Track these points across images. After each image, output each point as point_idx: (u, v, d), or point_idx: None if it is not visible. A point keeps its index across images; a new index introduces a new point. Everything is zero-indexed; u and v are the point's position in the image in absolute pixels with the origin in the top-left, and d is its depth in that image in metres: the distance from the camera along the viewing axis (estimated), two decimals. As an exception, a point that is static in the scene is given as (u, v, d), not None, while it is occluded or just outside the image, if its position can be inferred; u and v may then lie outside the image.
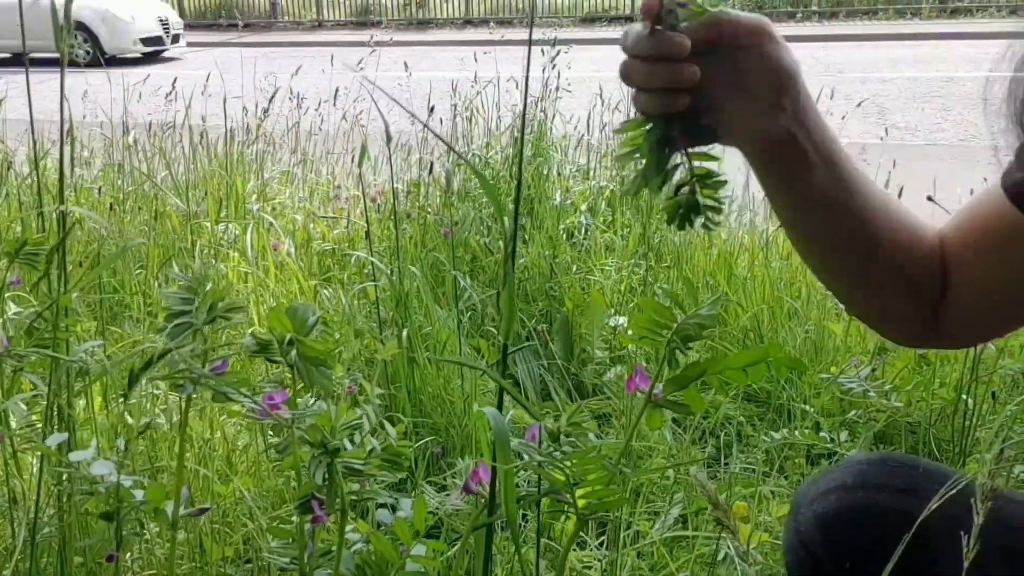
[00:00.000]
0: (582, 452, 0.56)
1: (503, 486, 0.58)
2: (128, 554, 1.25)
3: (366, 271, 2.25)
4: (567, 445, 0.59)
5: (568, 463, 0.56)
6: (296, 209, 3.07)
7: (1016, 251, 0.63)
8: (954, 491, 0.62)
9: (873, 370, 1.50)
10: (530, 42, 0.72)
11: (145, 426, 0.94)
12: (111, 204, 2.96)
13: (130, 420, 1.65)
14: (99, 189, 3.20)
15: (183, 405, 0.60)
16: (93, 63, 7.34)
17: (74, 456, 0.59)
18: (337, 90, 3.65)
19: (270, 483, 1.44)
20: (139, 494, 0.61)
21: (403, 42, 11.54)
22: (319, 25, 17.38)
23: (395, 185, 1.82)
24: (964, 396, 1.38)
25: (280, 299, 2.31)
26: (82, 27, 11.09)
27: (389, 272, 1.73)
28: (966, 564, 0.51)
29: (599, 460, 0.56)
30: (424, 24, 17.24)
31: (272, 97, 3.36)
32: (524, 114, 0.63)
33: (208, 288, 0.62)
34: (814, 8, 15.04)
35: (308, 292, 2.29)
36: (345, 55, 4.73)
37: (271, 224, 2.76)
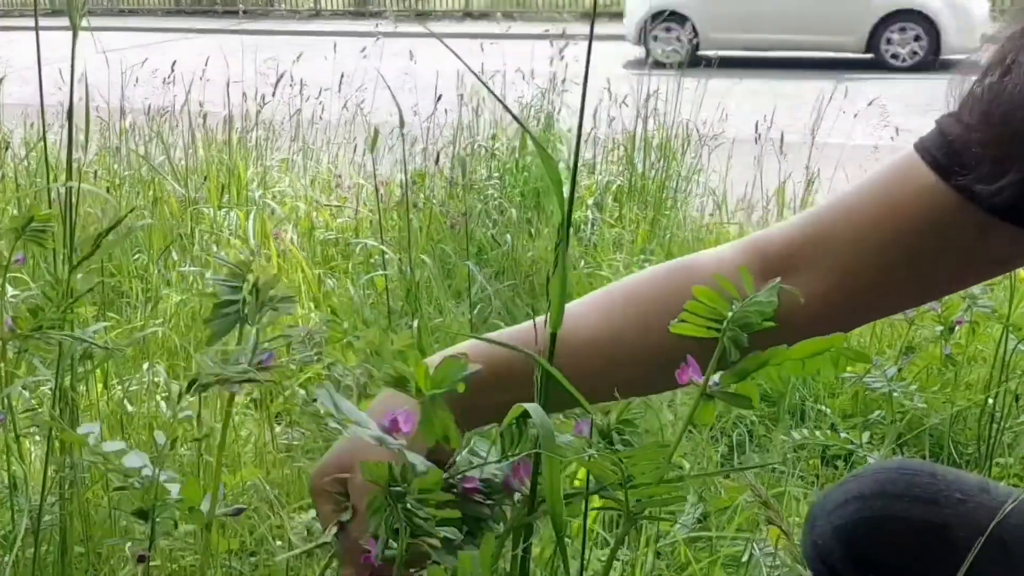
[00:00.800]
0: (638, 449, 0.52)
1: (548, 480, 0.54)
2: (130, 544, 1.21)
3: (372, 260, 2.21)
4: (619, 444, 0.55)
5: (621, 458, 0.52)
6: (298, 197, 3.03)
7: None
8: (1014, 504, 0.59)
9: (899, 370, 1.47)
10: (592, 29, 0.68)
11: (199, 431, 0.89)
12: (107, 188, 2.92)
13: (130, 408, 1.62)
14: (95, 173, 3.15)
15: (224, 404, 0.56)
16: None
17: (108, 446, 0.55)
18: (343, 76, 3.61)
19: (276, 473, 1.40)
20: (173, 489, 0.57)
21: (406, 33, 11.49)
22: (317, 14, 17.30)
23: (404, 173, 1.78)
24: (990, 399, 1.35)
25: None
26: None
27: (399, 262, 1.69)
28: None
29: (655, 455, 0.53)
30: (424, 15, 17.17)
31: (277, 83, 3.31)
32: (587, 67, 0.59)
33: (256, 276, 0.57)
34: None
35: (312, 281, 2.25)
36: (346, 44, 4.68)
37: (273, 211, 2.72)
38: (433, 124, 3.20)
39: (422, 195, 2.82)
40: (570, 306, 0.67)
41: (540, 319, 0.63)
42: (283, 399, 1.66)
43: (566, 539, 0.58)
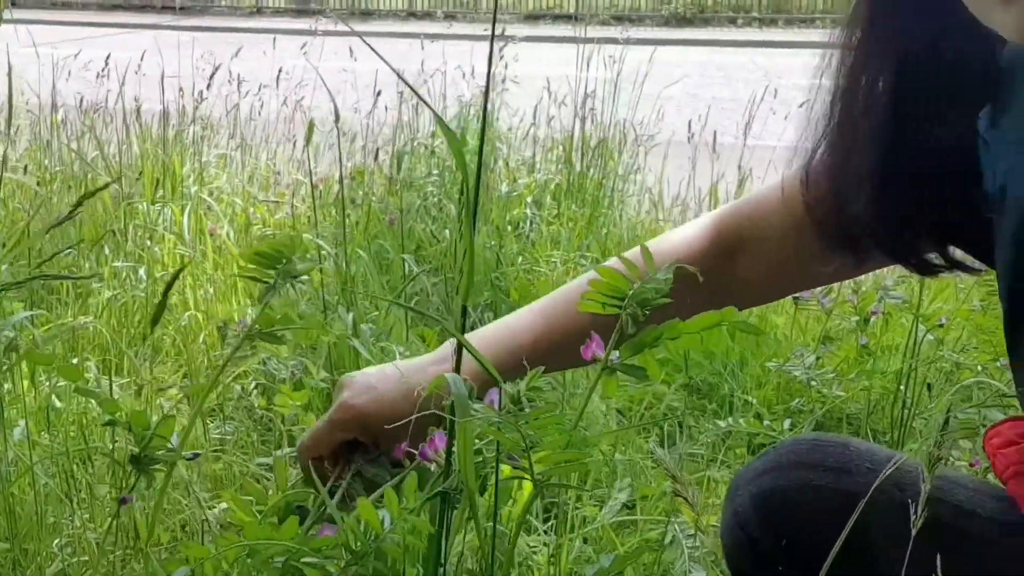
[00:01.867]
0: (539, 411, 0.55)
1: (459, 446, 0.56)
2: (57, 540, 1.20)
3: (309, 256, 2.20)
4: (528, 409, 0.58)
5: (525, 423, 0.55)
6: (235, 193, 2.99)
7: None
8: (892, 468, 0.64)
9: (818, 358, 1.53)
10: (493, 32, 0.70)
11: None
12: (37, 182, 2.84)
13: (58, 404, 1.59)
14: (24, 168, 3.06)
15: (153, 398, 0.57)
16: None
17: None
18: (280, 71, 3.58)
19: (207, 468, 1.40)
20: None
21: (347, 32, 11.39)
22: (258, 11, 17.04)
23: (340, 168, 1.79)
24: (902, 386, 1.42)
25: (218, 283, 2.25)
26: None
27: (335, 255, 1.70)
28: (914, 532, 0.52)
29: (558, 420, 0.55)
30: (367, 14, 17.05)
31: (212, 76, 3.26)
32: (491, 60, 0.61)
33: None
34: (754, 15, 15.36)
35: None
36: (286, 42, 4.64)
37: (209, 207, 2.69)
38: (373, 121, 3.20)
39: (360, 191, 2.82)
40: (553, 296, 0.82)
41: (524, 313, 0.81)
42: (216, 394, 1.65)
43: (499, 527, 0.60)
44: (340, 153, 1.76)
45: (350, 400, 0.75)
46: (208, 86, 3.34)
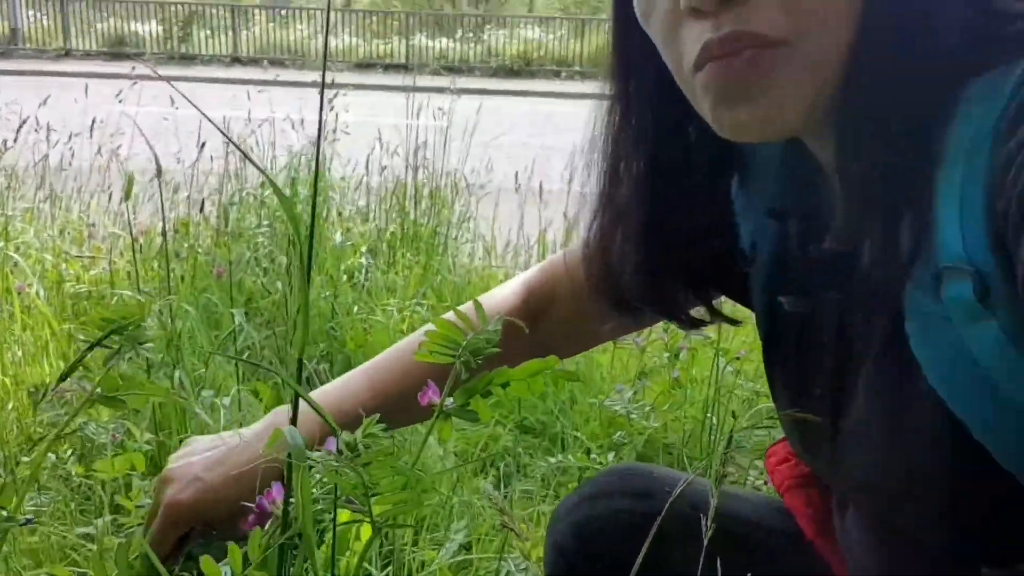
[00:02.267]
0: (376, 452, 0.58)
1: (297, 495, 0.58)
2: None
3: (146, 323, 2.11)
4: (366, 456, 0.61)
5: (363, 467, 0.58)
6: (44, 248, 2.81)
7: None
8: (683, 486, 0.72)
9: (635, 393, 1.65)
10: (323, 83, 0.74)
11: None
12: None
13: None
14: None
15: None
16: None
17: None
18: (94, 121, 3.41)
19: (23, 541, 1.30)
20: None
21: (167, 77, 10.94)
22: (66, 54, 16.08)
23: (164, 221, 1.73)
24: (709, 415, 1.55)
25: (28, 346, 2.10)
26: None
27: (159, 312, 1.64)
28: (705, 542, 0.59)
29: (395, 462, 0.59)
30: (188, 59, 16.49)
31: (19, 128, 3.07)
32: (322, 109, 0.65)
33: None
34: (576, 68, 16.19)
35: (62, 338, 2.11)
36: (100, 87, 4.42)
37: (16, 263, 2.51)
38: (197, 171, 3.11)
39: (186, 244, 2.73)
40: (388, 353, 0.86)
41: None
42: (29, 462, 1.54)
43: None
44: (162, 204, 1.71)
45: (177, 496, 0.74)
46: (15, 139, 3.13)
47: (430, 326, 0.86)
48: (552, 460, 1.53)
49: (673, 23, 0.57)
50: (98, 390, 0.60)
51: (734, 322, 0.80)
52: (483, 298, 0.89)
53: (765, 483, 1.28)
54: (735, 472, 1.24)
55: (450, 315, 0.81)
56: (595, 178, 0.72)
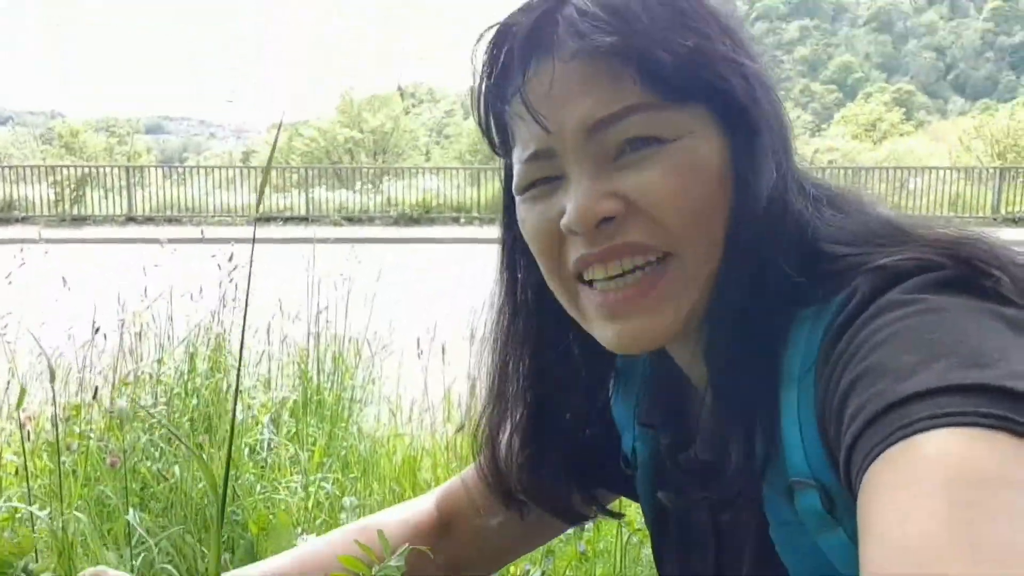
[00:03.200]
0: None
1: None
2: None
3: (19, 516, 2.00)
4: None
5: None
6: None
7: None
8: None
9: (543, 573, 1.65)
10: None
11: None
12: None
13: None
14: None
15: None
16: None
17: None
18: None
19: None
20: None
21: (57, 239, 10.70)
22: (-50, 219, 15.61)
23: (57, 425, 1.67)
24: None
25: None
26: None
27: (50, 520, 1.57)
28: None
29: None
30: (80, 220, 16.22)
31: None
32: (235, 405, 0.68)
33: None
34: (474, 215, 16.72)
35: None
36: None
37: None
38: (91, 353, 3.03)
39: (77, 428, 2.62)
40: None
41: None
42: None
43: None
44: (55, 410, 1.66)
45: None
46: None
47: (335, 536, 0.87)
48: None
49: (552, 237, 0.62)
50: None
51: (617, 515, 0.83)
52: (386, 514, 0.90)
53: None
54: None
55: (359, 530, 0.83)
56: (485, 374, 0.75)
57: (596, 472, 0.78)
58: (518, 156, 0.64)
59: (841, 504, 0.55)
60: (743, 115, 0.60)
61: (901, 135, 31.34)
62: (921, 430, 0.43)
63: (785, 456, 0.57)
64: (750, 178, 0.60)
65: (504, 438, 0.76)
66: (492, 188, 16.90)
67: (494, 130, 0.66)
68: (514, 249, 0.71)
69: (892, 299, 0.52)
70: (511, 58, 0.62)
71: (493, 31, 0.64)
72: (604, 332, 0.62)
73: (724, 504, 0.65)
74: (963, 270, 0.53)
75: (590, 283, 0.61)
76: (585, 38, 0.58)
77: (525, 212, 0.64)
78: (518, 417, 0.74)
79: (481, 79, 0.64)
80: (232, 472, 2.42)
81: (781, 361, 0.58)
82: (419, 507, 0.87)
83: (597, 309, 0.61)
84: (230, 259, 3.53)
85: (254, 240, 0.77)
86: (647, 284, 0.59)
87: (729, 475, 0.60)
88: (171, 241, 4.15)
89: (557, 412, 0.75)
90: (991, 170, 17.80)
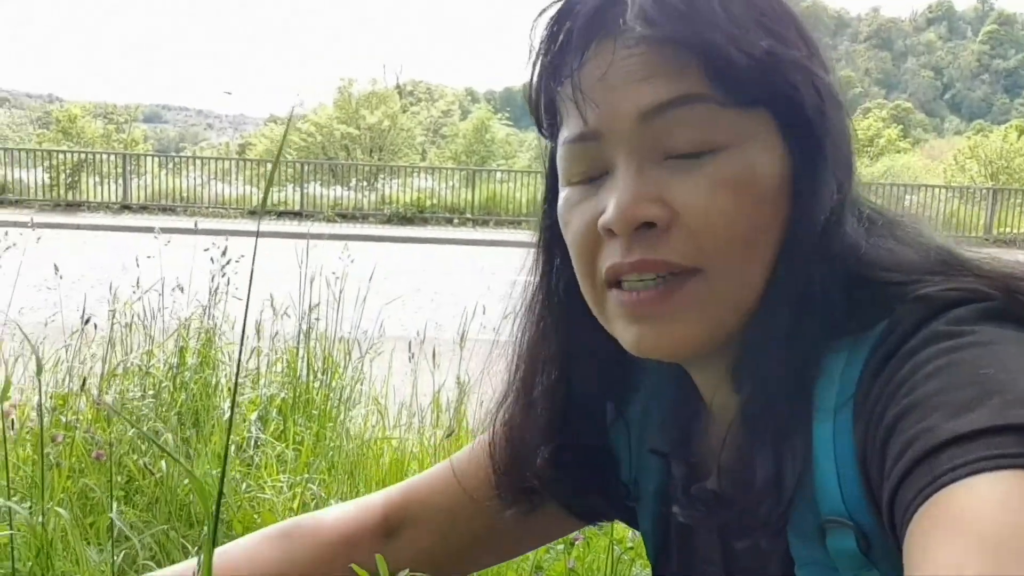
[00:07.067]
0: None
1: None
2: None
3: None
4: None
5: None
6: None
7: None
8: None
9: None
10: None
11: None
12: None
13: None
14: None
15: None
16: None
17: None
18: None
19: None
20: None
21: (50, 224, 10.65)
22: (-58, 200, 15.54)
23: (41, 415, 1.65)
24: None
25: None
26: None
27: (30, 514, 1.55)
28: None
29: None
30: (74, 206, 16.14)
31: None
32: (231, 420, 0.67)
33: None
34: (468, 215, 16.70)
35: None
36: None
37: None
38: (80, 342, 3.01)
39: (64, 419, 2.60)
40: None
41: None
42: None
43: None
44: (40, 387, 1.64)
45: None
46: None
47: (273, 530, 0.84)
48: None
49: (589, 238, 0.59)
50: None
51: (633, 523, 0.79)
52: (320, 514, 0.84)
53: None
54: None
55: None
56: (513, 364, 0.73)
57: (607, 485, 0.75)
58: (564, 138, 0.61)
59: (878, 545, 0.52)
60: (809, 127, 0.57)
61: (898, 152, 31.43)
62: (976, 471, 0.40)
63: (817, 494, 0.54)
64: (809, 196, 0.56)
65: (527, 429, 0.73)
66: (486, 190, 16.88)
67: (543, 110, 0.64)
68: (551, 237, 0.68)
69: (938, 330, 0.50)
70: (571, 37, 0.59)
71: (556, 7, 0.61)
72: (626, 334, 0.59)
73: (742, 536, 0.62)
74: (1011, 302, 0.51)
75: (619, 283, 0.59)
76: (654, 25, 0.55)
77: (566, 210, 0.62)
78: (543, 417, 0.71)
79: (537, 56, 0.61)
80: (218, 469, 2.40)
81: (813, 392, 0.56)
82: (363, 506, 0.82)
83: (620, 307, 0.59)
84: (223, 253, 3.50)
85: (258, 234, 0.76)
86: (666, 291, 0.57)
87: (751, 507, 0.57)
88: (164, 231, 4.10)
89: (586, 406, 0.71)
90: (985, 190, 17.90)
